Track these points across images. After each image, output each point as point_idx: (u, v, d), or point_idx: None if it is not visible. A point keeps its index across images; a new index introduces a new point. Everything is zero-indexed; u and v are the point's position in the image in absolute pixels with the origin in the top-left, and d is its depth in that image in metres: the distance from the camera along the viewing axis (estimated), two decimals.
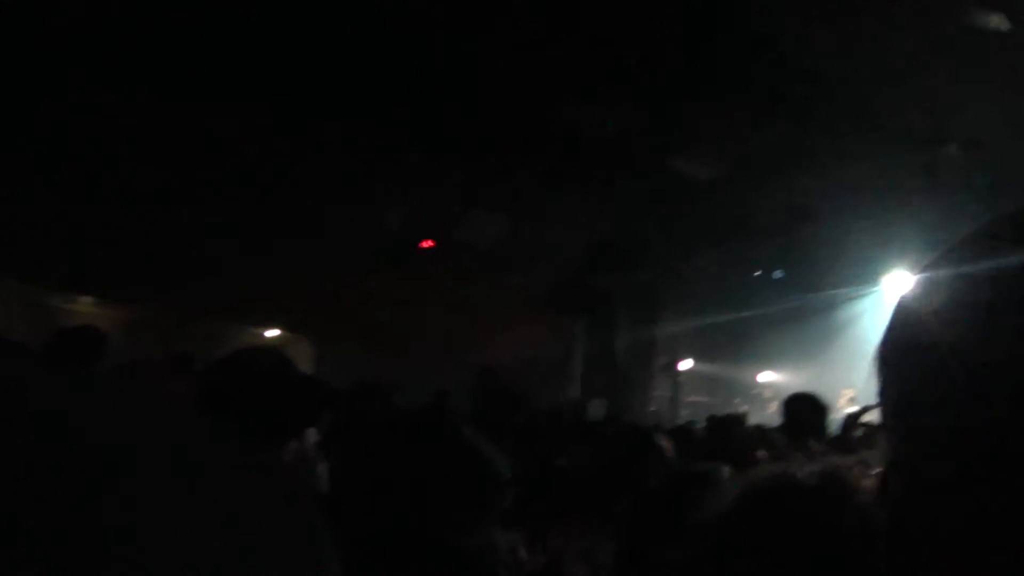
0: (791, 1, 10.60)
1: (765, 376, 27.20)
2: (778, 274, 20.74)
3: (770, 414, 23.09)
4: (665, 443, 4.26)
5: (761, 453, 5.39)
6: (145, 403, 0.58)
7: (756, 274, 21.08)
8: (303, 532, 0.57)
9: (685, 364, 25.28)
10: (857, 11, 10.45)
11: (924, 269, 0.99)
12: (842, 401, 21.17)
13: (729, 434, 5.08)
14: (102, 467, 0.49)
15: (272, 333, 20.29)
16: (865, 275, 20.50)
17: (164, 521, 0.49)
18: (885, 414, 1.01)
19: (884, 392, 0.99)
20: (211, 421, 0.58)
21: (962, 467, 0.83)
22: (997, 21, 9.69)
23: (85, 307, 16.87)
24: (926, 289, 1.00)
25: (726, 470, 2.73)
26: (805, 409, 5.41)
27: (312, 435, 4.05)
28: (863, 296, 21.73)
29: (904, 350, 0.96)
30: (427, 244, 17.19)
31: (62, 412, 0.51)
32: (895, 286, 20.68)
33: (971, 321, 0.83)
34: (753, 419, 20.22)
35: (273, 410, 3.03)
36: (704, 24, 11.20)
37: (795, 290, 21.17)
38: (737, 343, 24.92)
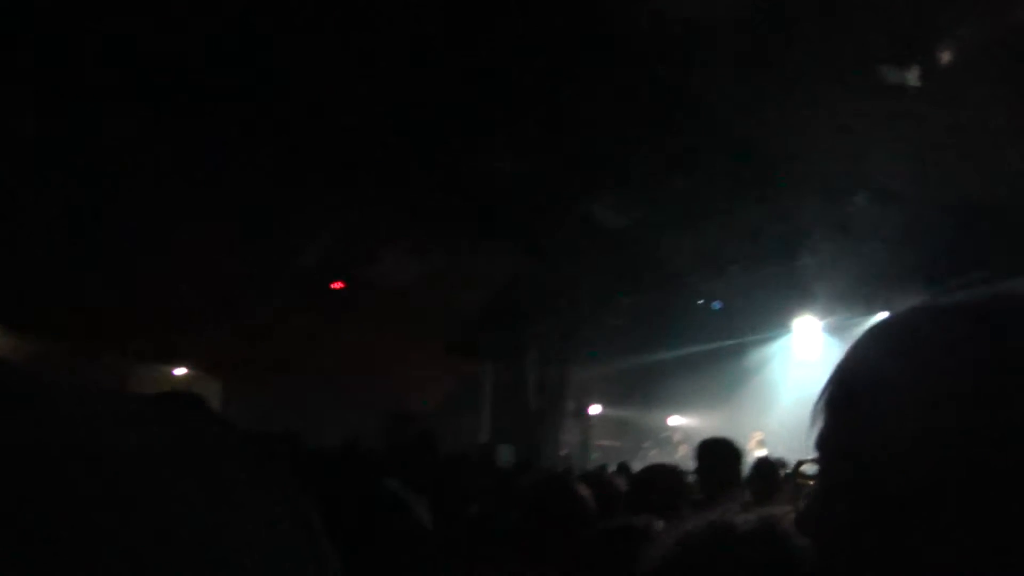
0: (705, 55, 10.73)
1: (674, 420, 27.40)
2: (716, 305, 20.88)
3: (680, 457, 23.27)
4: (585, 492, 4.22)
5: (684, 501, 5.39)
6: (135, 411, 0.56)
7: (699, 302, 21.18)
8: (302, 535, 0.56)
9: (595, 408, 25.36)
10: (770, 64, 10.61)
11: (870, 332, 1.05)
12: (751, 444, 21.40)
13: (652, 483, 5.04)
14: (93, 472, 0.48)
15: (180, 371, 19.97)
16: (774, 320, 20.81)
17: (159, 525, 0.48)
18: (831, 450, 1.03)
19: (834, 429, 1.02)
20: (206, 426, 0.58)
21: (918, 495, 0.88)
22: (908, 76, 9.90)
23: None
24: (879, 341, 1.05)
25: (659, 523, 2.72)
26: (719, 454, 5.42)
27: None
28: (772, 341, 22.06)
29: (862, 392, 1.00)
30: (338, 285, 17.07)
31: (51, 418, 0.50)
32: (803, 331, 21.02)
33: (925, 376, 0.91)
34: (663, 462, 20.45)
35: None
36: (618, 75, 11.30)
37: (703, 337, 21.41)
38: (646, 387, 25.10)
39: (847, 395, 1.01)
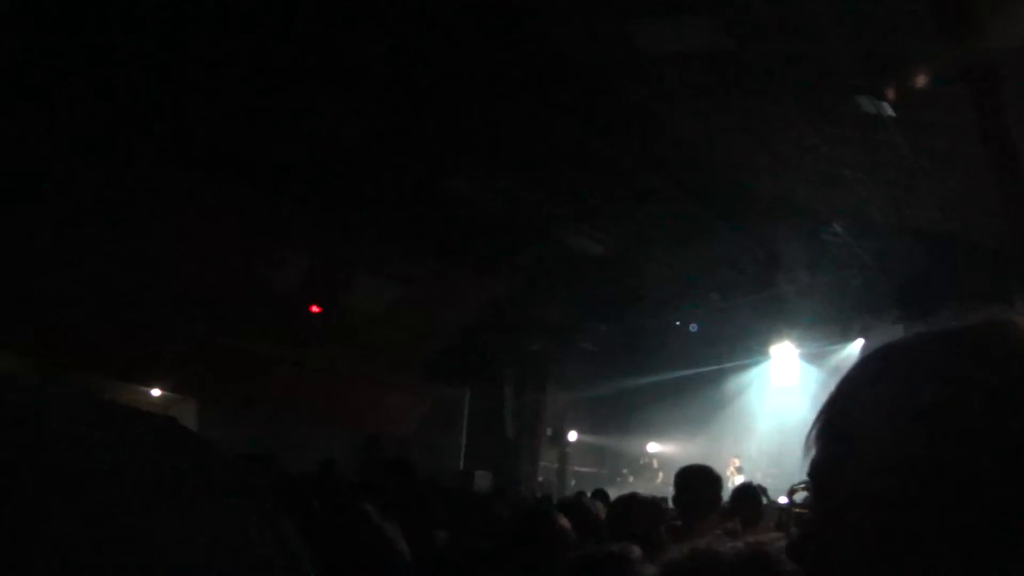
0: (682, 86, 10.78)
1: (652, 446, 27.41)
2: (694, 327, 20.92)
3: (658, 484, 23.27)
4: (564, 522, 4.18)
5: (662, 528, 5.37)
6: (118, 419, 0.57)
7: (676, 324, 21.21)
8: (282, 549, 0.56)
9: (572, 435, 25.34)
10: (746, 94, 10.66)
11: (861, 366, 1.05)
12: (730, 469, 21.47)
13: (629, 511, 5.02)
14: (72, 481, 0.48)
15: (156, 392, 19.83)
16: (752, 347, 20.87)
17: (137, 538, 0.48)
18: (824, 479, 1.03)
19: (827, 459, 1.02)
20: (190, 439, 0.58)
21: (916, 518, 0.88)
22: (883, 106, 9.94)
23: None
24: (868, 373, 1.05)
25: (636, 549, 2.69)
26: (698, 481, 5.40)
27: None
28: (749, 368, 22.11)
29: (852, 423, 1.00)
30: (315, 309, 17.03)
31: (34, 428, 0.51)
32: (781, 358, 21.07)
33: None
34: (640, 488, 20.43)
35: None
36: (597, 105, 11.35)
37: (681, 364, 21.44)
38: (624, 414, 25.11)
39: (838, 426, 1.02)
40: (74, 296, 13.85)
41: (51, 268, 13.21)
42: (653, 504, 5.22)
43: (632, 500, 5.48)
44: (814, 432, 1.04)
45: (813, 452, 1.04)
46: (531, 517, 4.43)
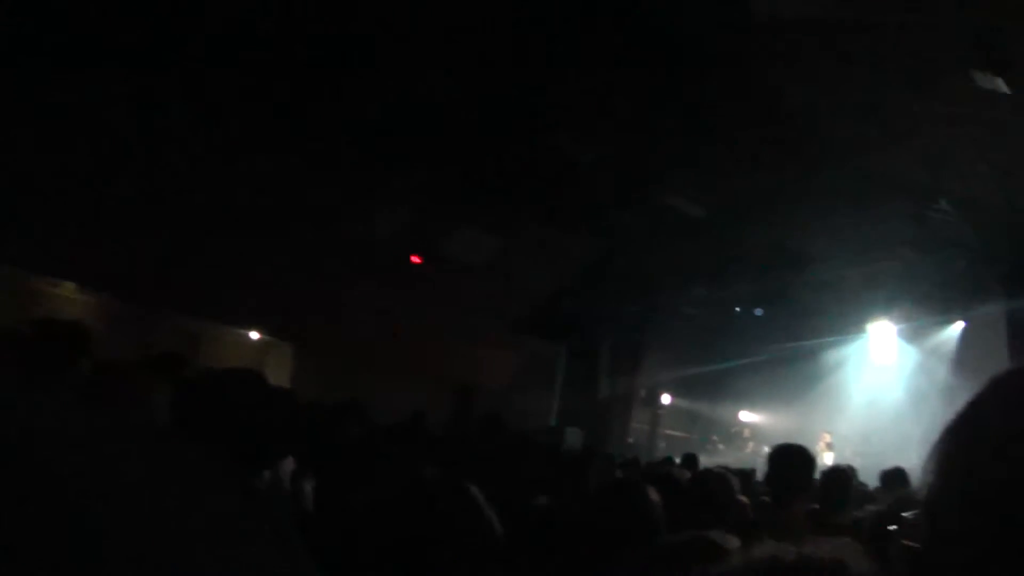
0: (792, 50, 10.57)
1: (745, 415, 27.24)
2: (758, 311, 20.76)
3: (748, 453, 23.15)
4: (653, 495, 4.12)
5: (743, 500, 5.32)
6: (116, 427, 0.56)
7: (736, 310, 21.11)
8: (282, 554, 0.56)
9: (665, 398, 25.26)
10: (856, 65, 10.43)
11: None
12: (820, 444, 21.25)
13: (707, 486, 4.97)
14: (72, 492, 0.47)
15: (255, 335, 20.19)
16: (849, 323, 20.52)
17: (136, 545, 0.47)
18: (941, 511, 0.97)
19: (948, 486, 0.96)
20: (187, 446, 0.58)
21: None
22: (997, 83, 9.66)
23: (68, 292, 16.74)
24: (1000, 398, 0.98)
25: (733, 540, 2.64)
26: (792, 463, 5.31)
27: (288, 464, 3.93)
28: (846, 343, 21.76)
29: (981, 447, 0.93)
30: (415, 259, 17.13)
31: (30, 437, 0.50)
32: (879, 335, 20.72)
33: None
34: (730, 457, 20.34)
35: (249, 441, 2.91)
36: (705, 66, 11.18)
37: (779, 333, 21.18)
38: (718, 381, 24.93)
39: (963, 455, 0.96)
40: (177, 241, 14.12)
41: (154, 215, 13.48)
42: (729, 482, 5.13)
43: (709, 476, 5.42)
44: (935, 457, 0.98)
45: (930, 479, 0.98)
46: (620, 492, 4.38)
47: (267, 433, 3.02)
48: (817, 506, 5.73)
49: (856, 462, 15.28)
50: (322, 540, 2.49)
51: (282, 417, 3.16)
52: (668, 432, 25.84)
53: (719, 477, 5.20)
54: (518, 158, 13.93)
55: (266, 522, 0.57)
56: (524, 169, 14.28)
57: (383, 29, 10.71)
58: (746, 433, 26.41)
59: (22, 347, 4.77)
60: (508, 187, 15.03)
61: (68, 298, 16.60)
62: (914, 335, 20.56)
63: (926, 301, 18.18)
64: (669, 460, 13.66)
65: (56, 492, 0.47)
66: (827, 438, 21.85)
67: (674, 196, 15.22)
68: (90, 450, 0.51)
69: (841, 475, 6.27)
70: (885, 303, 19.23)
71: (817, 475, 5.85)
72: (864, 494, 8.60)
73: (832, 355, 22.62)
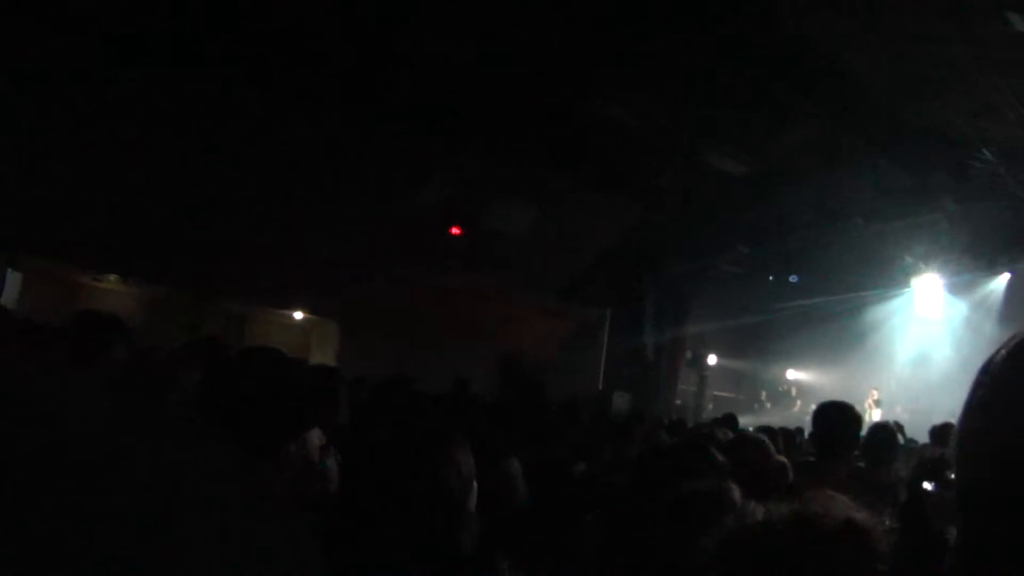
0: (831, 5, 10.46)
1: (791, 374, 27.16)
2: (793, 279, 20.69)
3: (795, 412, 23.10)
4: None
5: (782, 460, 5.31)
6: (138, 416, 0.57)
7: (770, 278, 21.09)
8: (292, 549, 0.56)
9: (712, 359, 25.20)
10: (896, 16, 10.31)
11: None
12: (868, 401, 21.16)
13: (741, 451, 4.94)
14: (89, 481, 0.49)
15: (299, 316, 20.31)
16: (894, 277, 20.32)
17: (151, 538, 0.49)
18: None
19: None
20: (203, 434, 0.59)
21: None
22: None
23: (111, 285, 16.96)
24: None
25: (734, 488, 2.67)
26: (837, 419, 5.28)
27: (316, 436, 4.00)
28: (892, 298, 21.57)
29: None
30: (455, 231, 17.13)
31: (54, 426, 0.51)
32: (924, 288, 20.53)
33: None
34: (777, 416, 20.32)
35: (266, 416, 2.99)
36: (742, 23, 11.10)
37: (823, 291, 21.05)
38: (764, 340, 24.84)
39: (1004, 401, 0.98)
40: (218, 228, 14.22)
41: (196, 201, 13.60)
42: (763, 445, 5.11)
43: (744, 440, 5.39)
44: (973, 403, 1.00)
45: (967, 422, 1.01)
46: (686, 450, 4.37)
47: (282, 408, 3.10)
48: (862, 464, 5.71)
49: (905, 418, 15.23)
50: (343, 520, 2.54)
51: (298, 392, 3.24)
52: (716, 393, 25.79)
53: (754, 441, 5.19)
54: (555, 123, 13.90)
55: (270, 512, 0.58)
56: (562, 134, 14.24)
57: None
58: (793, 392, 26.35)
59: (63, 339, 4.95)
60: (546, 153, 15.00)
61: (110, 290, 16.82)
62: (960, 288, 20.37)
63: (971, 253, 17.98)
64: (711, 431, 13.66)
65: (46, 473, 0.49)
66: (875, 395, 21.75)
67: (714, 155, 15.13)
68: (95, 434, 0.53)
69: (886, 432, 6.23)
70: (930, 256, 19.04)
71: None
72: (912, 451, 8.56)
73: (878, 310, 22.43)
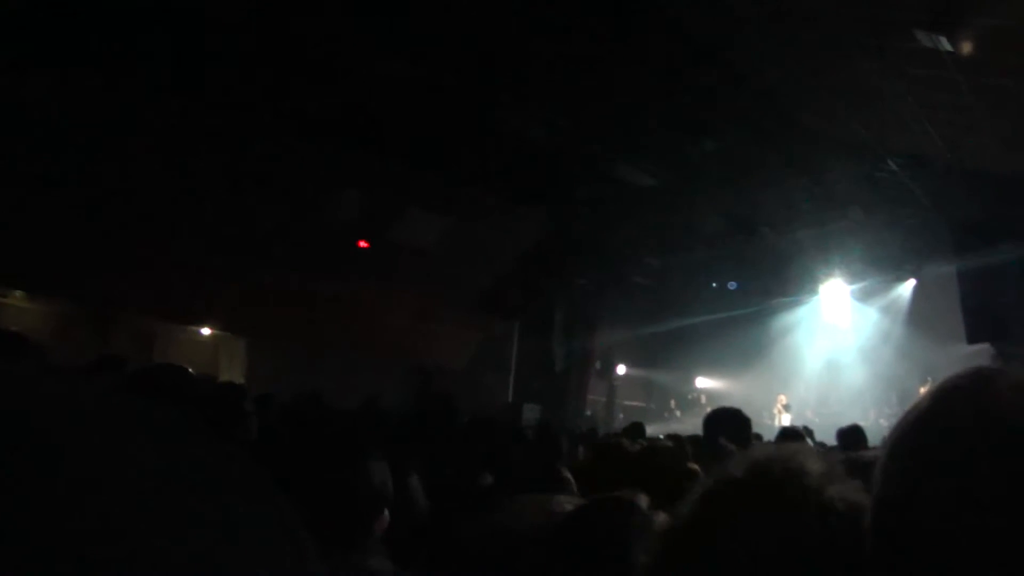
0: (741, 18, 10.59)
1: (701, 381, 27.46)
2: (732, 285, 20.96)
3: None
4: (567, 475, 4.11)
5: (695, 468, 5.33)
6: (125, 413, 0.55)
7: (713, 285, 21.33)
8: (279, 525, 0.56)
9: (621, 368, 25.38)
10: (802, 27, 10.47)
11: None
12: (777, 407, 21.52)
13: (660, 461, 4.97)
14: (66, 465, 0.47)
15: (206, 331, 20.05)
16: (802, 285, 20.69)
17: (131, 521, 0.47)
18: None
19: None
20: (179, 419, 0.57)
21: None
22: (941, 42, 9.72)
23: (17, 301, 16.59)
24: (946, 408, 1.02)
25: (643, 497, 2.66)
26: (725, 424, 5.32)
27: None
28: (799, 305, 21.95)
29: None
30: (363, 244, 17.03)
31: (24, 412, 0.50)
32: (831, 295, 20.93)
33: None
34: (688, 423, 20.51)
35: None
36: (652, 35, 11.18)
37: (731, 300, 21.34)
38: (673, 349, 25.08)
39: (910, 453, 1.01)
40: (124, 240, 14.00)
41: (99, 212, 13.36)
42: (674, 453, 5.12)
43: (655, 450, 5.41)
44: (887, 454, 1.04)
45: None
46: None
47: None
48: None
49: (816, 422, 15.47)
50: None
51: (200, 409, 3.19)
52: (626, 402, 25.98)
53: (664, 450, 5.21)
54: (466, 136, 13.89)
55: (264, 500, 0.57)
56: (473, 147, 14.23)
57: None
58: (703, 399, 26.61)
59: None
60: (457, 166, 15.00)
61: (16, 307, 16.45)
62: (867, 294, 20.77)
63: (877, 261, 18.35)
64: (620, 439, 13.69)
65: None
66: (783, 399, 22.12)
67: (624, 167, 15.23)
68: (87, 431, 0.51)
69: (795, 434, 6.31)
70: (837, 264, 19.42)
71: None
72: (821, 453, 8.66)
73: (786, 317, 22.82)
